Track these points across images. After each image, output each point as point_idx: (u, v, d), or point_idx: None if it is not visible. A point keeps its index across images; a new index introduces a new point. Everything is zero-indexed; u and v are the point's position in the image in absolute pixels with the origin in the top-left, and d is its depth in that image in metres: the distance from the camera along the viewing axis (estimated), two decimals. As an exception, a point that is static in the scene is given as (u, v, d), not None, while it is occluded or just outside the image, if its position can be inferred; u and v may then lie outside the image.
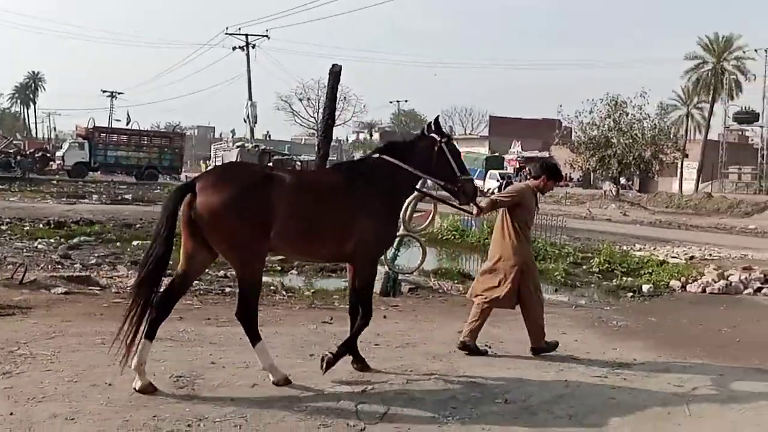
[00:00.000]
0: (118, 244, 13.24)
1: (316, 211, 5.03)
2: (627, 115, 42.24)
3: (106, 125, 56.48)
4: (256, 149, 36.87)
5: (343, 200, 5.18)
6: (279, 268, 11.83)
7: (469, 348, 6.21)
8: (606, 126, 42.48)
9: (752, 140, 59.40)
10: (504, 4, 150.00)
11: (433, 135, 5.61)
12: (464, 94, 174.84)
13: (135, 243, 13.28)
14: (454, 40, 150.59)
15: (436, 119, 5.80)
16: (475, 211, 6.17)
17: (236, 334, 6.58)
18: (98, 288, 8.49)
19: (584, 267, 13.00)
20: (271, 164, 33.94)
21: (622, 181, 46.77)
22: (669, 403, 5.10)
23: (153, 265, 4.78)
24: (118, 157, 45.02)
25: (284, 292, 9.33)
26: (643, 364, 6.24)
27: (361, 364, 5.49)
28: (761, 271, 11.91)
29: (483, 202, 6.22)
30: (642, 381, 5.70)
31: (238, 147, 37.50)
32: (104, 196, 27.63)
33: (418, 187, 5.87)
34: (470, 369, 5.72)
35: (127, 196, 27.85)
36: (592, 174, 51.10)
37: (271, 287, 9.72)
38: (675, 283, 11.08)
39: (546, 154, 63.27)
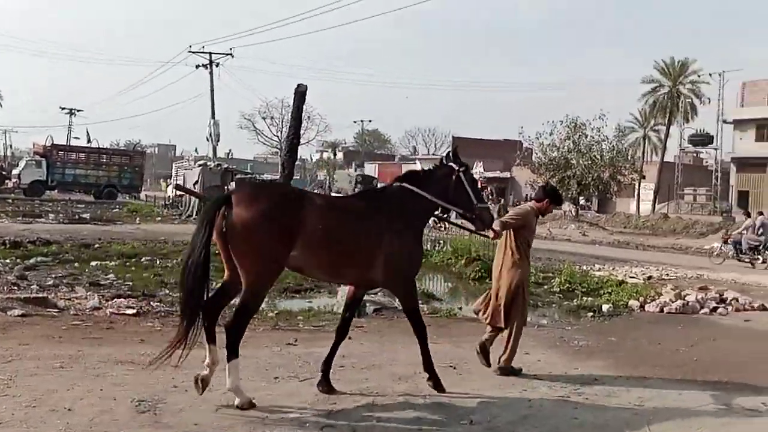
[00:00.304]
0: (76, 264, 12.96)
1: (342, 234, 5.23)
2: (586, 137, 43.12)
3: (65, 143, 55.38)
4: (219, 168, 36.37)
5: (368, 226, 5.38)
6: (242, 288, 11.74)
7: (486, 353, 6.51)
8: (566, 147, 43.27)
9: (707, 162, 61.14)
10: (467, 24, 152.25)
11: (451, 164, 5.84)
12: (427, 114, 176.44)
13: (93, 264, 13.03)
14: (419, 60, 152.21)
15: (455, 150, 6.11)
16: (491, 234, 6.38)
17: (198, 357, 6.51)
18: (56, 310, 8.31)
19: (545, 287, 13.15)
20: (234, 183, 33.72)
21: (582, 201, 47.60)
22: (630, 423, 5.20)
23: (194, 273, 5.02)
24: (76, 175, 44.25)
25: (247, 314, 9.24)
26: (604, 384, 6.34)
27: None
28: (717, 291, 12.22)
29: (495, 225, 6.36)
30: (603, 400, 5.80)
31: (200, 165, 36.93)
32: (62, 215, 27.08)
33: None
34: (435, 390, 5.73)
35: (85, 216, 27.31)
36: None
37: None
38: (634, 303, 11.28)
39: (507, 174, 64.35)
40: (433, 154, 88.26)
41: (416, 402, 5.40)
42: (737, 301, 11.53)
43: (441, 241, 17.92)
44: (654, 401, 5.82)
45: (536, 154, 46.98)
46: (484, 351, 6.52)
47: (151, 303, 9.19)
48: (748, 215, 23.58)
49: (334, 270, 5.49)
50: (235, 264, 5.06)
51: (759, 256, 19.80)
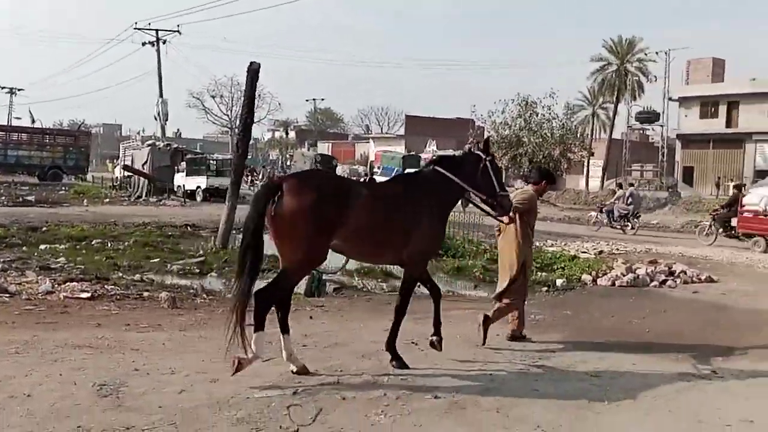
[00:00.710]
0: (24, 248, 12.60)
1: (383, 219, 5.51)
2: (537, 115, 43.70)
3: (5, 123, 53.38)
4: (168, 148, 35.71)
5: (405, 210, 5.65)
6: (197, 270, 11.60)
7: (518, 337, 7.00)
8: (517, 126, 43.80)
9: (653, 139, 62.70)
10: (419, 3, 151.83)
11: (479, 153, 6.17)
12: (380, 93, 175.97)
13: (42, 247, 12.69)
14: (371, 38, 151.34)
15: (486, 140, 6.59)
16: (506, 219, 6.76)
17: (159, 340, 6.46)
18: (7, 295, 8.07)
19: (501, 263, 13.34)
20: (184, 163, 33.11)
21: (533, 178, 48.34)
22: (588, 393, 5.35)
23: (248, 258, 5.16)
24: (19, 156, 42.85)
25: (205, 296, 9.16)
26: (561, 356, 6.51)
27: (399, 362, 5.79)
28: (665, 264, 12.62)
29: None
30: (562, 372, 5.96)
31: (149, 146, 36.18)
32: (5, 198, 26.20)
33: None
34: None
35: (30, 198, 26.49)
36: (504, 172, 52.54)
37: (191, 290, 9.53)
38: (586, 277, 11.57)
39: (460, 152, 64.72)
40: (387, 133, 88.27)
41: (380, 379, 5.44)
42: (685, 273, 11.93)
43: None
44: (610, 371, 6.00)
45: (488, 132, 47.40)
46: (519, 338, 7.01)
47: (106, 286, 9.00)
48: (620, 187, 25.81)
49: (374, 253, 5.92)
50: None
51: (628, 223, 22.19)
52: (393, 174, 49.51)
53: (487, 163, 6.08)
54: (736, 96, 48.73)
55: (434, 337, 6.07)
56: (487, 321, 6.82)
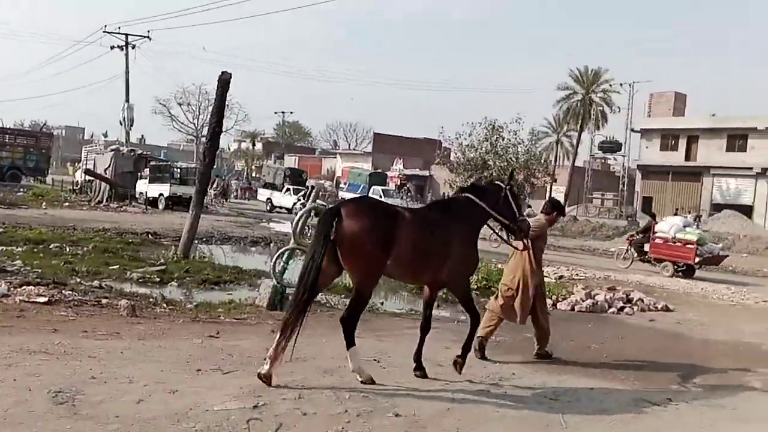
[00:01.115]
0: (-21, 249, 12.25)
1: (426, 243, 5.99)
2: (503, 139, 44.22)
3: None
4: (132, 154, 35.18)
5: (444, 234, 6.14)
6: (158, 279, 11.44)
7: (483, 348, 7.38)
8: (483, 149, 44.22)
9: (614, 168, 64.04)
10: (391, 22, 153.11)
11: (499, 183, 6.80)
12: (349, 109, 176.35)
13: (-1, 249, 12.36)
14: (342, 54, 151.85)
15: (512, 172, 7.87)
16: (521, 246, 7.22)
17: (117, 348, 6.34)
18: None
19: (464, 284, 13.43)
20: (148, 169, 32.66)
21: (497, 201, 48.86)
22: (547, 416, 5.42)
23: (311, 279, 5.59)
24: (-24, 155, 41.70)
25: (165, 305, 9.03)
26: (522, 378, 6.58)
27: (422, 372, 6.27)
28: (624, 291, 12.86)
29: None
30: (522, 394, 6.02)
31: (112, 150, 35.60)
32: (-41, 198, 25.46)
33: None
34: (360, 383, 5.78)
35: (-14, 199, 25.78)
36: (469, 194, 52.99)
37: (151, 299, 9.38)
38: (547, 301, 11.69)
39: (427, 173, 65.21)
40: (354, 149, 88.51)
41: (342, 395, 5.43)
42: (642, 301, 12.17)
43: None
44: (568, 395, 6.09)
45: (455, 153, 47.81)
46: (481, 347, 7.33)
47: (63, 291, 8.80)
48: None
49: (416, 274, 6.33)
50: (324, 269, 5.69)
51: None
52: (359, 190, 49.72)
53: (507, 191, 6.66)
54: (696, 130, 50.16)
55: (459, 359, 6.50)
56: (541, 347, 7.56)
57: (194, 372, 5.76)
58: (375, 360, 6.64)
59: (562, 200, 52.43)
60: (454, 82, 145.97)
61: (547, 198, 43.17)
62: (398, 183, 58.72)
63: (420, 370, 6.25)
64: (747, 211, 46.66)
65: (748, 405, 6.28)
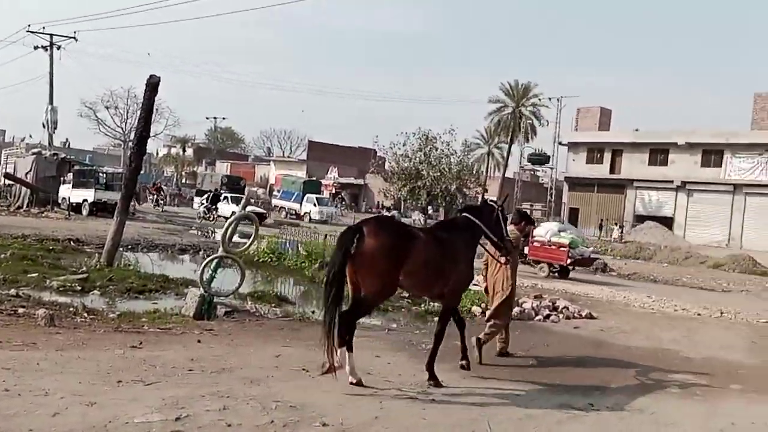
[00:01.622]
0: None
1: (436, 260, 6.48)
2: (436, 149, 44.81)
3: None
4: (55, 158, 33.90)
5: (450, 251, 6.65)
6: (79, 288, 11.03)
7: (505, 354, 8.33)
8: (417, 159, 44.71)
9: (543, 180, 65.79)
10: (329, 30, 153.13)
11: (493, 204, 7.53)
12: (283, 116, 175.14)
13: None
14: (278, 60, 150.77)
15: (506, 196, 8.88)
16: (503, 260, 7.76)
17: (33, 359, 6.07)
18: None
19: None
20: (71, 174, 31.51)
21: (430, 211, 49.41)
22: (474, 422, 5.47)
23: (334, 289, 6.00)
24: None
25: (86, 314, 8.70)
26: (450, 385, 6.61)
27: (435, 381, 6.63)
28: (549, 299, 13.16)
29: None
30: (450, 401, 6.06)
31: (34, 154, 34.23)
32: None
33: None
34: (288, 393, 5.71)
35: None
36: (403, 203, 53.39)
37: (71, 308, 9.03)
38: (476, 309, 11.87)
39: (361, 181, 65.32)
40: (288, 157, 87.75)
41: (268, 405, 5.33)
42: (567, 309, 12.48)
43: (297, 244, 17.82)
44: (495, 401, 6.17)
45: (390, 163, 48.13)
46: (479, 346, 7.91)
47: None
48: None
49: (425, 287, 6.83)
50: (355, 282, 6.19)
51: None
52: (293, 198, 49.19)
53: (499, 211, 7.31)
54: (620, 144, 52.08)
55: (463, 362, 7.23)
56: (479, 342, 7.91)
57: (115, 384, 5.56)
58: (304, 369, 6.57)
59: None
60: (392, 92, 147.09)
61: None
62: (333, 191, 58.61)
63: (433, 379, 6.57)
64: (668, 222, 48.72)
65: (666, 409, 6.51)
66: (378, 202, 59.16)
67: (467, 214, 7.16)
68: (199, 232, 27.11)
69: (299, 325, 9.42)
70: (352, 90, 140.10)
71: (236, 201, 36.04)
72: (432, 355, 6.67)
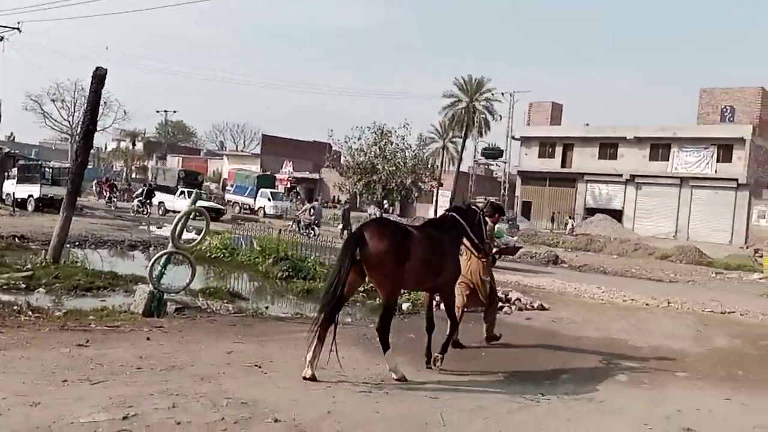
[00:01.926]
0: None
1: (430, 255, 6.86)
2: (391, 143, 44.97)
3: None
4: (-1, 152, 32.92)
5: (442, 248, 7.13)
6: (23, 286, 10.71)
7: (494, 338, 9.02)
8: (372, 153, 44.80)
9: (496, 174, 66.56)
10: (286, 24, 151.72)
11: (476, 207, 8.05)
12: (236, 109, 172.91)
13: None
14: (230, 54, 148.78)
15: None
16: (484, 259, 8.62)
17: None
18: None
19: (350, 286, 13.46)
20: (16, 169, 30.59)
21: (385, 205, 49.55)
22: (427, 414, 5.50)
23: (338, 292, 6.32)
24: None
25: (30, 313, 8.44)
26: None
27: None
28: (502, 291, 13.30)
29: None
30: (403, 393, 6.08)
31: (-24, 148, 33.18)
32: None
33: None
34: (239, 390, 5.64)
35: None
36: (358, 197, 53.40)
37: (15, 307, 8.75)
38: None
39: (317, 176, 65.06)
40: (242, 151, 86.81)
41: (219, 402, 5.26)
42: (520, 301, 12.64)
43: (250, 240, 17.63)
44: (448, 393, 6.21)
45: (345, 157, 48.07)
46: (493, 338, 8.92)
47: None
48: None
49: (420, 282, 7.15)
50: (350, 282, 6.46)
51: (311, 231, 26.97)
52: (246, 193, 48.70)
53: (481, 215, 7.89)
54: (571, 139, 53.07)
55: (439, 355, 7.32)
56: (488, 337, 8.91)
57: (60, 383, 5.42)
58: (256, 365, 6.51)
59: (448, 203, 54.04)
60: (346, 87, 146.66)
61: (434, 202, 44.13)
62: (287, 186, 58.23)
63: (434, 363, 7.17)
64: (617, 215, 49.87)
65: (614, 397, 6.65)
66: (333, 196, 59.02)
67: (454, 214, 7.65)
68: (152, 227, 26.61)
69: (252, 321, 9.31)
70: (305, 84, 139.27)
71: (191, 195, 35.38)
72: (447, 343, 7.45)
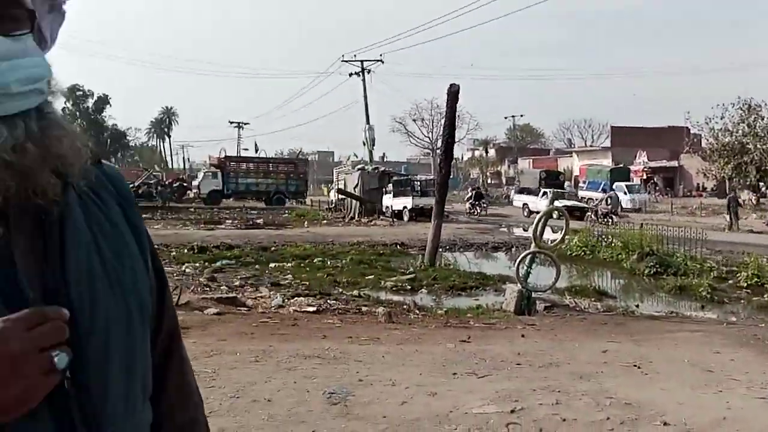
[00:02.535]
0: (257, 266, 13.92)
1: None
2: (763, 119, 39.51)
3: (236, 155, 59.34)
4: (376, 171, 37.45)
5: None
6: (409, 287, 12.02)
7: None
8: (740, 131, 39.93)
9: None
10: (604, 10, 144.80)
11: None
12: (580, 105, 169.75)
13: (272, 265, 13.90)
14: (567, 51, 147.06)
15: None
16: None
17: (378, 352, 6.78)
18: (245, 308, 8.98)
19: (730, 282, 12.25)
20: (391, 184, 34.58)
21: (762, 188, 43.64)
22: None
23: None
24: (248, 184, 47.17)
25: (417, 311, 9.46)
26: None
27: None
28: None
29: None
30: None
31: (359, 170, 38.22)
32: (238, 221, 29.05)
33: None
34: (620, 390, 5.49)
35: (259, 221, 29.14)
36: (727, 183, 48.01)
37: (404, 306, 9.89)
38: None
39: (675, 163, 60.41)
40: (591, 146, 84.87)
41: (601, 401, 5.20)
42: None
43: (609, 236, 17.18)
44: None
45: (707, 140, 43.73)
46: None
47: (328, 301, 9.66)
48: None
49: None
50: None
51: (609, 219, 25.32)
52: (600, 188, 47.54)
53: None
54: None
55: None
56: None
57: (450, 375, 5.94)
58: (635, 365, 6.31)
59: None
60: (693, 65, 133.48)
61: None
62: (643, 177, 55.12)
63: None
64: None
65: None
66: (698, 184, 54.03)
67: None
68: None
69: (623, 319, 9.06)
70: (650, 68, 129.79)
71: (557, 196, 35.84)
72: None
